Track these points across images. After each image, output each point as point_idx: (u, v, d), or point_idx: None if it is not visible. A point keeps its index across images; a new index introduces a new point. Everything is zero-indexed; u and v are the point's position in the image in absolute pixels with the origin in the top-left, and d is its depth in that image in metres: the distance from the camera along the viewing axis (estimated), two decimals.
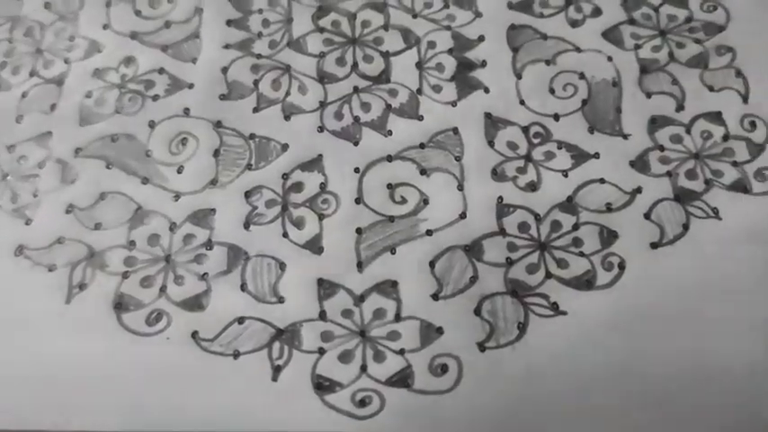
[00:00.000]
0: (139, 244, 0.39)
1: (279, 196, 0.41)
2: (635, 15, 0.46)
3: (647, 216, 0.40)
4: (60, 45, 0.46)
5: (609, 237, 0.39)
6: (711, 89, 0.44)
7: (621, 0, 0.47)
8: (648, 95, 0.44)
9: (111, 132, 0.43)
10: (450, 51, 0.45)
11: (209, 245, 0.39)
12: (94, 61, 0.45)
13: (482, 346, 0.36)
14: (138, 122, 0.43)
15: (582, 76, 0.44)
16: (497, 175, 0.41)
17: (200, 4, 0.47)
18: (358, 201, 0.40)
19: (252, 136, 0.42)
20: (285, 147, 0.42)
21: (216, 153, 0.42)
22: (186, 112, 0.43)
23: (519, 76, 0.44)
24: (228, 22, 0.46)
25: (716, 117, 0.43)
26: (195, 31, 0.46)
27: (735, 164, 0.41)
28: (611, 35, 0.46)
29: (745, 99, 0.43)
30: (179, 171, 0.41)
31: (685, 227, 0.40)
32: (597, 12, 0.46)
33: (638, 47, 0.45)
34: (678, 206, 0.40)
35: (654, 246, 0.39)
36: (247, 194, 0.41)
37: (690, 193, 0.41)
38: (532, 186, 0.41)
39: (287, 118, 0.43)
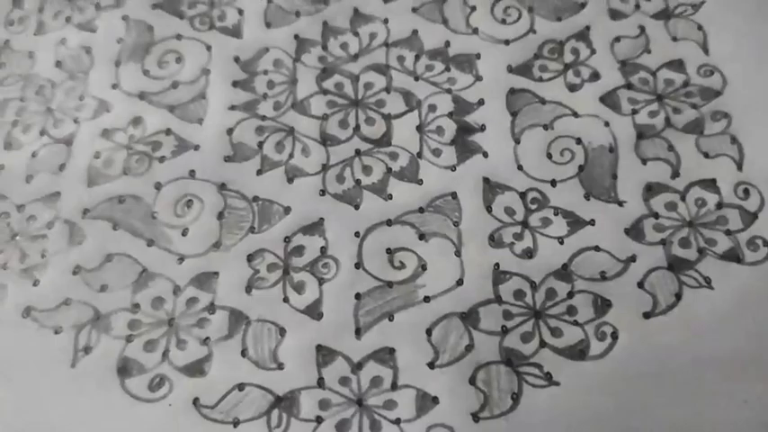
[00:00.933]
0: (144, 307, 0.40)
1: (280, 260, 0.42)
2: (632, 80, 0.47)
3: (640, 285, 0.41)
4: (70, 104, 0.47)
5: (603, 305, 0.40)
6: (707, 156, 0.44)
7: (620, 64, 0.48)
8: (644, 162, 0.44)
9: (119, 194, 0.44)
10: (450, 115, 0.46)
11: (211, 309, 0.40)
12: (103, 121, 0.46)
13: (476, 417, 0.37)
14: (145, 184, 0.44)
15: (579, 141, 0.45)
16: (495, 241, 0.42)
17: (207, 65, 0.48)
18: (358, 265, 0.41)
19: (255, 198, 0.44)
20: (287, 210, 0.43)
21: (220, 216, 0.43)
22: (192, 174, 0.44)
23: (517, 141, 0.45)
24: (234, 83, 0.47)
25: (710, 184, 0.44)
26: (202, 91, 0.47)
27: (728, 232, 0.42)
28: (608, 100, 0.46)
29: (739, 166, 0.44)
30: (184, 233, 0.42)
31: (678, 296, 0.40)
32: (595, 76, 0.47)
33: (635, 112, 0.46)
34: (671, 275, 0.41)
35: (646, 315, 0.40)
36: (250, 258, 0.42)
37: (683, 261, 0.41)
38: (529, 253, 0.42)
39: (290, 180, 0.44)
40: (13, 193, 0.44)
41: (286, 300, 0.40)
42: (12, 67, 0.48)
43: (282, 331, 0.39)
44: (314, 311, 0.40)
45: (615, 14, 0.49)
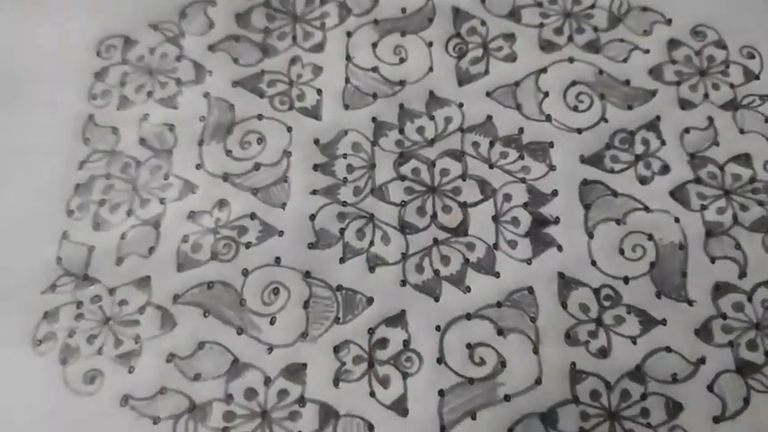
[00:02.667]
0: (237, 398, 0.42)
1: (365, 352, 0.43)
2: (701, 174, 0.48)
3: (710, 388, 0.42)
4: (155, 183, 0.48)
5: (674, 408, 0.42)
6: None
7: (689, 157, 0.49)
8: (713, 260, 0.46)
9: (208, 279, 0.45)
10: (525, 205, 0.47)
11: (301, 401, 0.42)
12: (189, 203, 0.47)
13: None
14: (233, 270, 0.45)
15: (650, 237, 0.46)
16: (570, 338, 0.44)
17: (288, 147, 0.49)
18: (439, 360, 0.43)
19: (339, 288, 0.45)
20: (370, 300, 0.45)
21: (306, 304, 0.45)
22: (277, 260, 0.46)
23: (591, 235, 0.47)
24: (315, 167, 0.49)
25: None
26: (284, 175, 0.48)
27: None
28: (678, 194, 0.48)
29: None
30: (271, 322, 0.44)
31: (746, 401, 0.42)
32: (665, 169, 0.49)
33: (704, 207, 0.47)
34: (739, 378, 0.43)
35: (716, 420, 0.42)
36: (336, 349, 0.43)
37: (751, 365, 0.43)
38: (603, 352, 0.43)
39: (371, 270, 0.46)
40: (105, 275, 0.45)
41: (372, 394, 0.42)
42: (96, 142, 0.49)
43: (371, 427, 0.41)
44: (400, 407, 0.42)
45: (685, 104, 0.51)
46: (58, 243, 0.46)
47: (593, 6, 0.54)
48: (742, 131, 0.50)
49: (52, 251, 0.46)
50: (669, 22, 0.53)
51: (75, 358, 0.43)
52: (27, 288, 0.45)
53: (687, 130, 0.50)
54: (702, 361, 0.43)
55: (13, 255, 0.46)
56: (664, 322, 0.44)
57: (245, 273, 0.45)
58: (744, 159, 0.49)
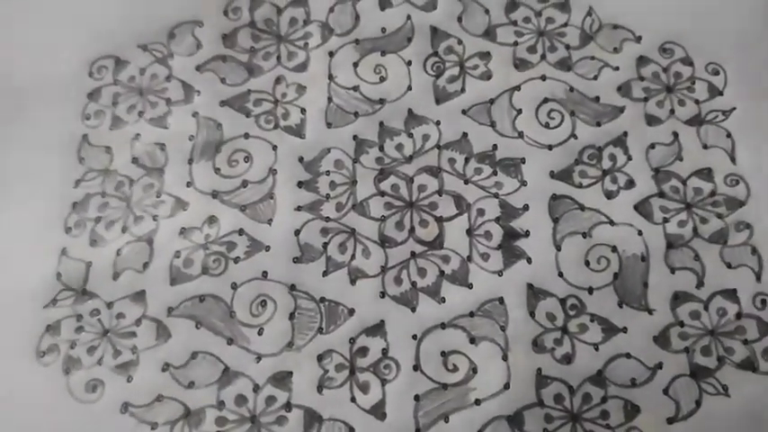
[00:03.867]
0: (228, 404, 0.45)
1: (347, 361, 0.47)
2: (664, 188, 0.51)
3: (665, 391, 0.46)
4: (148, 201, 0.51)
5: (632, 411, 0.45)
6: (729, 266, 0.49)
7: (653, 172, 0.52)
8: (673, 271, 0.49)
9: (199, 293, 0.48)
10: (497, 220, 0.50)
11: (288, 407, 0.45)
12: (180, 219, 0.50)
13: None
14: (223, 284, 0.48)
15: (614, 249, 0.50)
16: (537, 346, 0.47)
17: (273, 165, 0.52)
18: (416, 368, 0.46)
19: (322, 300, 0.48)
20: (352, 311, 0.48)
21: (291, 316, 0.48)
22: (264, 274, 0.49)
23: (558, 248, 0.50)
24: (299, 184, 0.51)
25: (731, 294, 0.48)
26: (270, 191, 0.51)
27: (745, 342, 0.47)
28: (642, 208, 0.51)
29: (758, 277, 0.49)
30: (259, 333, 0.47)
31: (698, 403, 0.46)
32: (631, 183, 0.51)
33: (665, 220, 0.50)
34: (693, 382, 0.46)
35: (670, 421, 0.45)
36: (319, 358, 0.47)
37: (704, 369, 0.47)
38: (567, 359, 0.47)
39: (353, 282, 0.49)
40: (102, 290, 0.48)
41: (353, 399, 0.46)
42: (91, 162, 0.52)
43: (351, 430, 0.45)
44: (378, 411, 0.45)
45: (651, 120, 0.53)
46: (58, 259, 0.49)
47: (565, 25, 0.56)
48: (705, 146, 0.53)
49: (52, 267, 0.49)
50: (639, 39, 0.56)
51: (77, 368, 0.46)
52: (30, 303, 0.48)
53: (653, 146, 0.52)
54: (660, 366, 0.46)
55: (15, 271, 0.49)
56: (624, 330, 0.47)
57: (234, 286, 0.48)
58: (706, 173, 0.52)
